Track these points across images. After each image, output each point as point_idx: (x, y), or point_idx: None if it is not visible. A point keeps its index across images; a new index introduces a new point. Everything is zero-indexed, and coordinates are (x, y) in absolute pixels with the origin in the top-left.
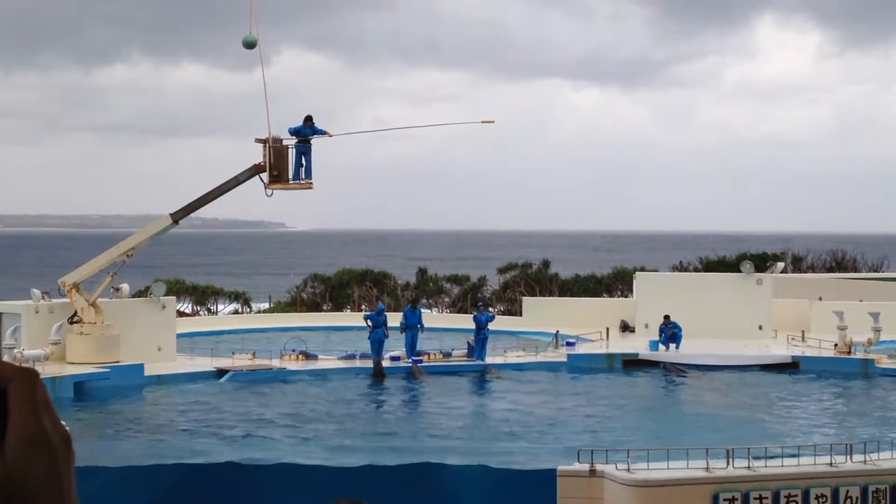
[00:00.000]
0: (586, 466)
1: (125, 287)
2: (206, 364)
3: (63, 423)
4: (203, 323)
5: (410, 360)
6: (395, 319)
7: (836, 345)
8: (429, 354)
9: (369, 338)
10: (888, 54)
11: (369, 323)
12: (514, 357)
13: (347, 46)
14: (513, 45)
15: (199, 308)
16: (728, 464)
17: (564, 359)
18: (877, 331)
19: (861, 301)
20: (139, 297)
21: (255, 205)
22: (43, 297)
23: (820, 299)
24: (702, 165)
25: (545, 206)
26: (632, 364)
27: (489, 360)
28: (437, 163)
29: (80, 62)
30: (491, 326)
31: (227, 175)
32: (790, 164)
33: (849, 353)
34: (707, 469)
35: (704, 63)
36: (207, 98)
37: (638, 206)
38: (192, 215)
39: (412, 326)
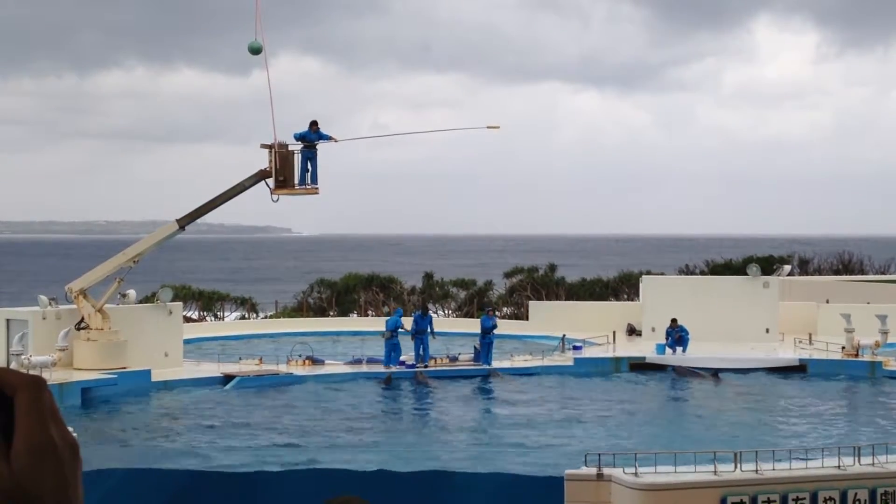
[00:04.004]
0: (594, 470)
1: (132, 293)
2: (212, 370)
3: (70, 430)
4: (210, 328)
5: (423, 365)
6: (406, 325)
7: (843, 347)
8: (435, 359)
9: (387, 342)
10: (887, 56)
11: (387, 333)
12: (520, 361)
13: (343, 51)
14: (508, 49)
15: (205, 314)
16: (736, 467)
17: (571, 363)
18: (884, 333)
19: (868, 303)
20: (146, 302)
21: (260, 210)
22: (50, 304)
23: (827, 302)
24: (703, 169)
25: (546, 210)
26: (639, 368)
27: (495, 363)
28: (439, 167)
29: (76, 68)
30: (497, 331)
31: (230, 180)
32: (792, 166)
33: (856, 355)
34: (715, 472)
35: (702, 66)
36: (205, 103)
37: (640, 210)
38: (198, 221)
39: (422, 332)
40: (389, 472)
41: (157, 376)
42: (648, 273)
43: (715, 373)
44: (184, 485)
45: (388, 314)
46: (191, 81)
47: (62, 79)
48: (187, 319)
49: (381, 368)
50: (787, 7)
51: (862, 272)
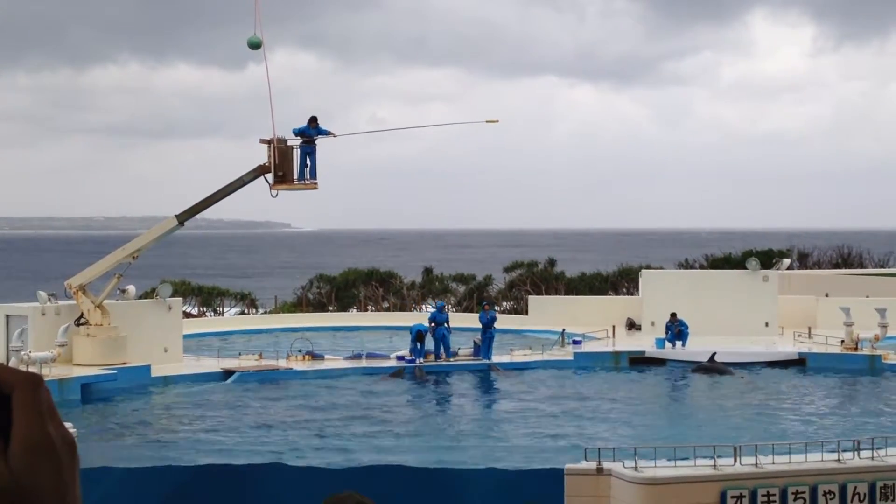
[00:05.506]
0: (593, 464)
1: (131, 289)
2: (212, 365)
3: (68, 427)
4: (209, 324)
5: (419, 360)
6: (405, 320)
7: (842, 341)
8: (434, 354)
9: (433, 336)
10: (884, 49)
11: (433, 323)
12: (520, 356)
13: (339, 45)
14: (504, 43)
15: (205, 309)
16: (735, 461)
17: (571, 357)
18: (883, 326)
19: (868, 297)
20: (145, 298)
21: (259, 205)
22: (49, 299)
23: (826, 296)
24: (701, 163)
25: (543, 205)
26: (638, 362)
27: (495, 358)
28: (437, 162)
29: (71, 64)
30: (497, 325)
31: (229, 175)
32: (790, 160)
33: (856, 349)
34: (714, 466)
35: (699, 59)
36: (201, 98)
37: (638, 204)
38: (198, 216)
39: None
40: (389, 468)
41: (156, 372)
42: (648, 267)
43: (711, 357)
44: (183, 481)
45: (387, 309)
46: (186, 76)
47: (57, 74)
48: (187, 315)
49: (380, 363)
50: (784, 0)
51: (861, 266)
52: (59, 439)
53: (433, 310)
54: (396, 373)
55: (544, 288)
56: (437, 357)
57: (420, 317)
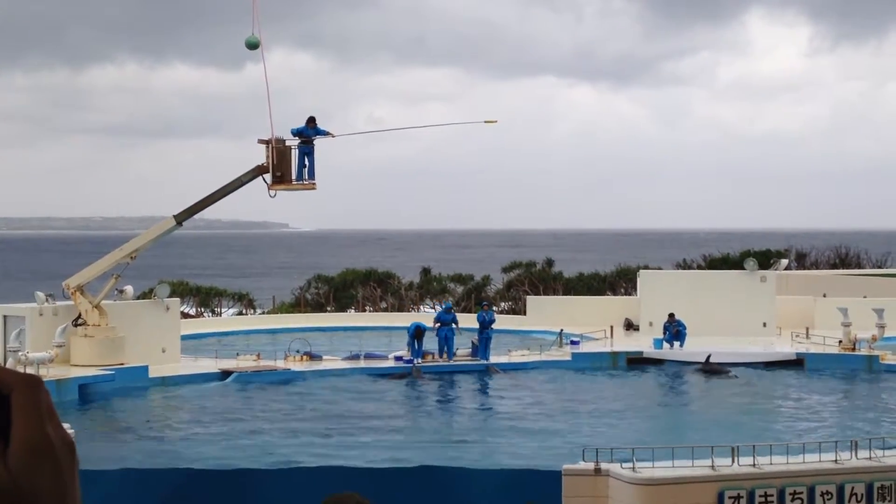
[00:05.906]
0: (591, 465)
1: (129, 289)
2: (210, 365)
3: (67, 427)
4: (207, 324)
5: (416, 360)
6: (403, 320)
7: (840, 341)
8: (433, 354)
9: (437, 335)
10: (881, 49)
11: (438, 323)
12: (518, 356)
13: (336, 45)
14: (503, 43)
15: (203, 310)
16: (733, 461)
17: (569, 358)
18: (881, 327)
19: (865, 297)
20: (143, 298)
21: (258, 206)
22: (47, 300)
23: (824, 296)
24: (699, 163)
25: (542, 205)
26: (636, 362)
27: (493, 358)
28: (435, 162)
29: (69, 64)
30: (495, 326)
31: (228, 175)
32: (788, 160)
33: (853, 349)
34: (712, 467)
35: (697, 59)
36: (200, 98)
37: (637, 204)
38: (196, 216)
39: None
40: (386, 469)
41: (154, 372)
42: (646, 268)
43: (707, 358)
44: (182, 482)
45: (385, 309)
46: (184, 76)
47: (56, 74)
48: (185, 315)
49: (378, 363)
50: (781, 0)
51: (859, 266)
52: (58, 440)
53: (440, 309)
54: (401, 375)
55: (542, 288)
56: (439, 356)
57: (418, 317)
